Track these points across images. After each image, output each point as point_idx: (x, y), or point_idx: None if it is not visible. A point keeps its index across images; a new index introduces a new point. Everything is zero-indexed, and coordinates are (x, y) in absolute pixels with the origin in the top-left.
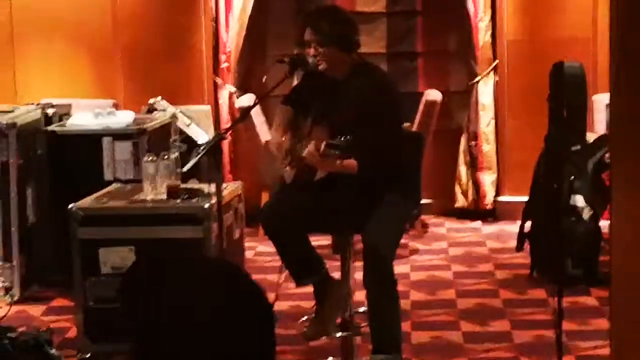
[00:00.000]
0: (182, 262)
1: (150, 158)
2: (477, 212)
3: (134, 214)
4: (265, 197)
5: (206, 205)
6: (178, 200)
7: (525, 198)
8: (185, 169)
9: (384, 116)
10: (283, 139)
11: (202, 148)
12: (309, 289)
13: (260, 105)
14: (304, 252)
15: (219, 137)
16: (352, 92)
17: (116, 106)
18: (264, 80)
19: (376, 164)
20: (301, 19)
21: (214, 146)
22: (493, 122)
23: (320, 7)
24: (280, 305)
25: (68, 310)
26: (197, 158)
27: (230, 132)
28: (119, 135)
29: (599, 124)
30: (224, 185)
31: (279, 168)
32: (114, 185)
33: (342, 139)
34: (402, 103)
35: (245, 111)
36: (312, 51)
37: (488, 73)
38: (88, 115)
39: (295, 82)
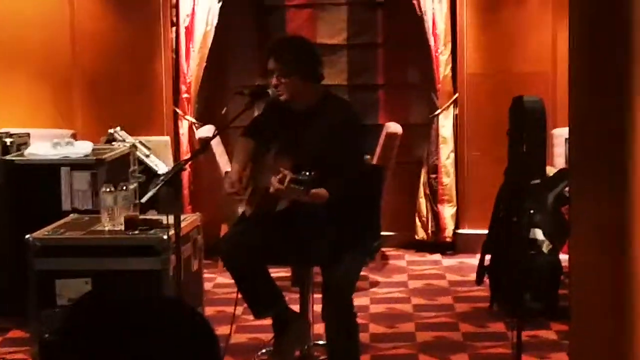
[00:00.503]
0: (135, 302)
1: (109, 189)
2: (437, 244)
3: (92, 245)
4: (224, 229)
5: (164, 237)
6: (136, 232)
7: (485, 231)
8: (144, 199)
9: (350, 150)
10: (244, 171)
11: (161, 178)
12: (268, 321)
13: (221, 137)
14: (264, 285)
15: (178, 167)
16: (318, 124)
17: (75, 136)
18: (223, 112)
19: (341, 197)
20: (266, 49)
21: (174, 177)
22: (453, 155)
23: (285, 37)
24: (238, 338)
25: (24, 341)
26: (156, 188)
27: (190, 163)
28: (77, 165)
29: (558, 158)
30: (183, 216)
31: (238, 200)
32: (72, 216)
33: (307, 174)
34: (366, 136)
35: (206, 142)
36: (274, 81)
37: (448, 106)
38: (46, 145)
39: (256, 113)
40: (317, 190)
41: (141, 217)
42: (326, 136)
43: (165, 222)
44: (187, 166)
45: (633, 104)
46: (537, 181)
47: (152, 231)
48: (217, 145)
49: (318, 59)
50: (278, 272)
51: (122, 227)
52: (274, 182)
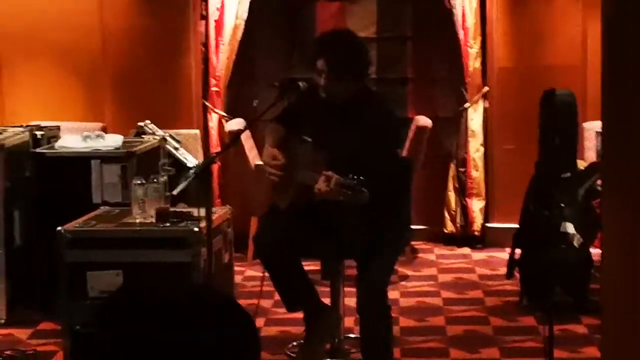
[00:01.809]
0: (169, 291)
1: (139, 181)
2: (466, 238)
3: (122, 237)
4: (254, 223)
5: (195, 229)
6: (167, 224)
7: (514, 225)
8: (175, 192)
9: (389, 147)
10: (278, 156)
11: (192, 171)
12: (298, 314)
13: (250, 130)
14: (298, 279)
15: (209, 160)
16: (356, 121)
17: (104, 130)
18: (254, 104)
19: (384, 196)
20: (315, 46)
21: (205, 169)
22: (482, 148)
23: (334, 34)
24: (268, 331)
25: (54, 334)
26: (187, 181)
27: (219, 156)
28: (107, 158)
29: (589, 151)
30: (214, 209)
31: (272, 189)
32: (102, 208)
33: (355, 180)
34: (403, 133)
35: (237, 135)
36: (323, 82)
37: (477, 100)
38: (76, 138)
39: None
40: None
41: (172, 209)
42: (365, 134)
43: (196, 214)
44: (217, 159)
45: None
46: (568, 174)
47: (183, 223)
48: (246, 138)
49: (367, 58)
50: (307, 265)
51: (153, 219)
52: (320, 183)
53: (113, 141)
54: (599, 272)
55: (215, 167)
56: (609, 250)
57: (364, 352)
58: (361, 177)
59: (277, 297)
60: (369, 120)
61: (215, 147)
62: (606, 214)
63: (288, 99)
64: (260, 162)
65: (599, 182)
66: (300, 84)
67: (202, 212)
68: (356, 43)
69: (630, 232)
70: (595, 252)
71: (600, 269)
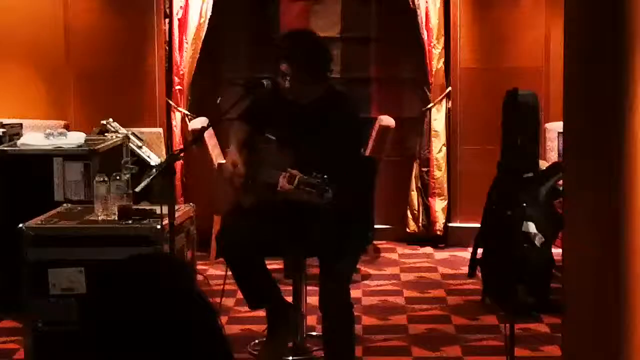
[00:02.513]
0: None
1: (102, 178)
2: (428, 238)
3: (85, 234)
4: (217, 221)
5: (158, 227)
6: (129, 221)
7: (476, 225)
8: (138, 188)
9: (352, 146)
10: (239, 156)
11: (155, 168)
12: (260, 312)
13: (214, 129)
14: (261, 277)
15: (172, 157)
16: (321, 119)
17: (67, 127)
18: (218, 101)
19: (347, 195)
20: (276, 46)
21: (168, 166)
22: (445, 148)
23: (296, 36)
24: (231, 329)
25: (16, 331)
26: (150, 178)
27: (182, 155)
28: (70, 155)
29: (550, 152)
30: (177, 207)
31: (235, 190)
32: (65, 206)
33: (318, 178)
34: (366, 131)
35: (200, 132)
36: (287, 84)
37: (441, 100)
38: (39, 135)
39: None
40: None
41: (134, 207)
42: (329, 134)
43: (158, 212)
44: (180, 155)
45: (627, 98)
46: (530, 174)
47: (145, 221)
48: (210, 137)
49: (329, 57)
50: (270, 264)
51: (116, 217)
52: (282, 181)
53: (76, 139)
54: (560, 272)
55: (178, 166)
56: (570, 249)
57: (326, 349)
58: (325, 176)
59: (239, 295)
60: (332, 120)
61: (178, 146)
62: (568, 213)
63: (252, 97)
64: (223, 161)
65: (560, 182)
66: (265, 81)
67: (165, 209)
68: (318, 44)
69: (591, 232)
70: (556, 251)
71: (562, 269)
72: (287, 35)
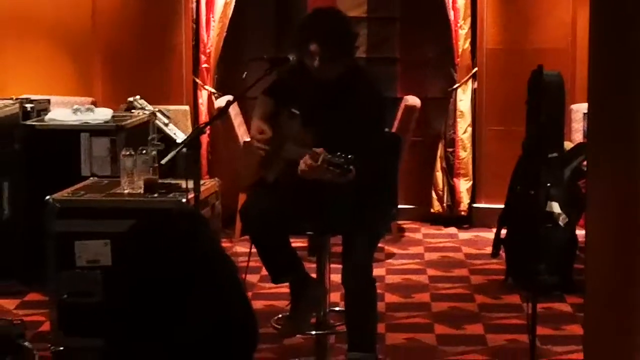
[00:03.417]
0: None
1: (129, 152)
2: (452, 218)
3: (111, 207)
4: (242, 199)
5: (183, 200)
6: (155, 195)
7: (501, 206)
8: (164, 161)
9: (375, 123)
10: (265, 129)
11: (181, 141)
12: (284, 289)
13: (239, 104)
14: (283, 250)
15: (198, 131)
16: (345, 98)
17: (94, 104)
18: (243, 76)
19: (370, 173)
20: (302, 25)
21: (193, 140)
22: (470, 129)
23: (325, 10)
24: (255, 305)
25: (42, 304)
26: (176, 150)
27: (208, 133)
28: (96, 131)
29: (576, 133)
30: (202, 181)
31: (260, 164)
32: (92, 179)
33: (343, 158)
34: (389, 111)
35: (225, 107)
36: (317, 63)
37: (467, 80)
38: (66, 111)
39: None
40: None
41: (160, 181)
42: (353, 112)
43: (184, 186)
44: (205, 135)
45: None
46: (555, 154)
47: (171, 194)
48: (235, 115)
49: (355, 35)
50: (295, 242)
51: (142, 190)
52: (307, 159)
53: (103, 115)
54: (583, 253)
55: (204, 142)
56: (593, 230)
57: (348, 325)
58: (349, 156)
59: (263, 272)
60: (355, 96)
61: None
62: (591, 194)
63: (278, 73)
64: (249, 139)
65: (584, 162)
66: (290, 57)
67: (190, 184)
68: (345, 22)
69: (614, 213)
70: (580, 233)
71: (585, 250)
72: (314, 14)
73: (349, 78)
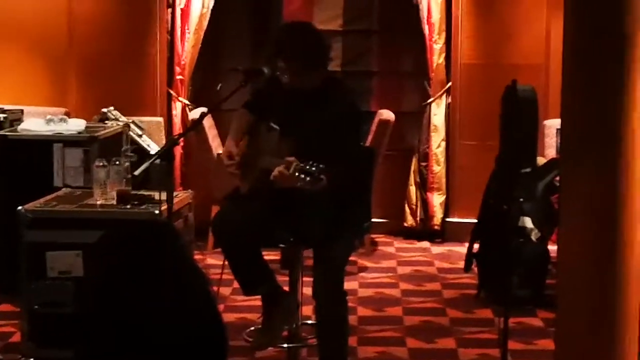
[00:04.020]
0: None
1: (102, 163)
2: (425, 232)
3: (83, 218)
4: (215, 211)
5: (156, 212)
6: (128, 206)
7: (474, 220)
8: (137, 172)
9: (351, 140)
10: (240, 143)
11: (154, 153)
12: (256, 301)
13: (213, 116)
14: (255, 262)
15: (172, 142)
16: (321, 109)
17: (68, 115)
18: (218, 88)
19: (343, 183)
20: (271, 37)
21: (167, 151)
22: (444, 143)
23: (294, 23)
24: (227, 317)
25: (13, 315)
26: (149, 162)
27: (182, 145)
28: (70, 141)
29: (549, 148)
30: (175, 193)
31: (233, 176)
32: (64, 190)
33: (315, 166)
34: (365, 123)
35: (199, 119)
36: (285, 78)
37: (441, 95)
38: (39, 121)
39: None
40: (321, 183)
41: (133, 192)
42: (328, 123)
43: (157, 197)
44: (179, 146)
45: (625, 95)
46: (528, 170)
47: (143, 206)
48: (209, 127)
49: (326, 46)
50: (268, 255)
51: (114, 202)
52: (281, 169)
53: (76, 125)
54: (555, 267)
55: (177, 154)
56: (565, 245)
57: (320, 338)
58: (321, 165)
59: (236, 285)
60: (330, 108)
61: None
62: (563, 209)
63: (253, 85)
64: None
65: (558, 178)
66: (265, 69)
67: (164, 195)
68: (312, 35)
69: (586, 229)
70: (553, 248)
71: (557, 264)
72: (281, 29)
73: (324, 90)
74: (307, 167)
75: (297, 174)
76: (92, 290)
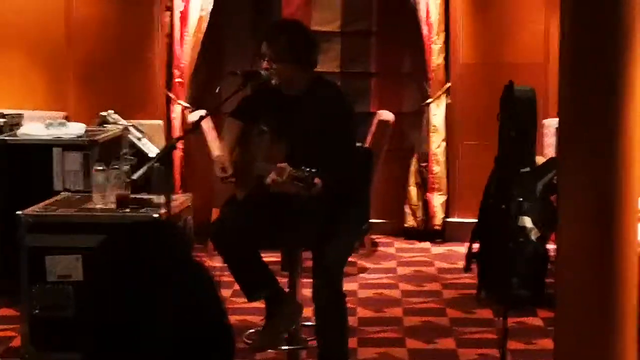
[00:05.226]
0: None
1: (101, 167)
2: (426, 233)
3: (83, 222)
4: (215, 213)
5: (155, 215)
6: (127, 210)
7: (474, 220)
8: (135, 176)
9: (342, 139)
10: (233, 152)
11: (153, 156)
12: (257, 303)
13: (213, 122)
14: (256, 267)
15: (171, 146)
16: (309, 111)
17: (67, 119)
18: (217, 90)
19: (337, 185)
20: (261, 32)
21: (166, 155)
22: (444, 144)
23: (280, 21)
24: None
25: (13, 319)
26: (148, 165)
27: (182, 147)
28: (69, 146)
29: (548, 148)
30: (174, 196)
31: (230, 184)
32: (63, 194)
33: (307, 172)
34: (356, 122)
35: (197, 121)
36: (265, 64)
37: (440, 95)
38: (39, 125)
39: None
40: (316, 188)
41: (132, 196)
42: (318, 124)
43: (156, 201)
44: (178, 149)
45: (621, 94)
46: (527, 169)
47: (143, 210)
48: (209, 130)
49: (312, 45)
50: (268, 257)
51: (114, 205)
52: (273, 175)
53: (75, 129)
54: (555, 266)
55: (177, 158)
56: (564, 244)
57: (319, 340)
58: (314, 170)
59: (236, 286)
60: (322, 112)
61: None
62: (562, 209)
63: (251, 87)
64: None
65: (556, 177)
66: (262, 72)
67: (163, 199)
68: (299, 28)
69: (585, 228)
70: (552, 247)
71: (556, 263)
72: (268, 28)
73: (313, 90)
74: (300, 173)
75: (290, 180)
76: (94, 292)
